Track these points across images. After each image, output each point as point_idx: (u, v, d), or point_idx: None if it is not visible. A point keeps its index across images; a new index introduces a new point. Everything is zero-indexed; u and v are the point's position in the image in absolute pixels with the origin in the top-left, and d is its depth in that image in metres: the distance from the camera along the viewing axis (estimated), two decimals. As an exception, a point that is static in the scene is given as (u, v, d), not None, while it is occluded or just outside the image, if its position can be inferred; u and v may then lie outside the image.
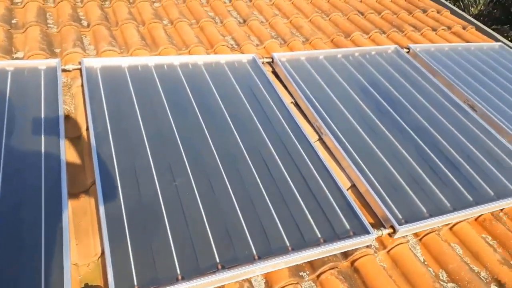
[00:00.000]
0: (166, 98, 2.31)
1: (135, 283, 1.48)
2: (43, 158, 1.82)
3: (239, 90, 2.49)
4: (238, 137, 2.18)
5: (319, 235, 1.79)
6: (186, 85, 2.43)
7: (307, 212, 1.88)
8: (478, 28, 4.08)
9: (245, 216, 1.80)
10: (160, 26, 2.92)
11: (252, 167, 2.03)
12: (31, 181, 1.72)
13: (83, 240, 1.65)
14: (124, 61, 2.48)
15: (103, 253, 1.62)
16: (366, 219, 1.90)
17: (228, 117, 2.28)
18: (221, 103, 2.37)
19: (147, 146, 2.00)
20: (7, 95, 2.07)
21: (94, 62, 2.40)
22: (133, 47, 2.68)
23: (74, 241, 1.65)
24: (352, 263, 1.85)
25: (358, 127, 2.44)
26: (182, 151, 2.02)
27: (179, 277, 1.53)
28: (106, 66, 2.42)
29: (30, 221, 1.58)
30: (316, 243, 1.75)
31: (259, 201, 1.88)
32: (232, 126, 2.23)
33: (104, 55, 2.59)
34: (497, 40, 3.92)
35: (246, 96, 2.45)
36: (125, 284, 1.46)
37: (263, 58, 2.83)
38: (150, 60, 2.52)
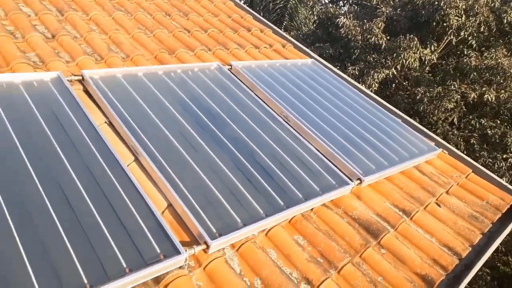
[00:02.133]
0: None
1: None
2: None
3: (37, 114, 2.20)
4: (31, 169, 1.90)
5: (124, 265, 1.66)
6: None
7: (112, 242, 1.73)
8: (296, 46, 4.57)
9: (32, 258, 1.55)
10: None
11: (47, 201, 1.79)
12: None
13: None
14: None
15: None
16: (180, 239, 1.86)
17: (19, 147, 1.98)
18: (11, 130, 2.04)
19: None
20: None
21: None
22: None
23: None
24: (165, 287, 1.77)
25: (177, 145, 2.41)
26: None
27: None
28: None
29: None
30: (120, 275, 1.62)
31: (52, 238, 1.65)
32: (25, 157, 1.94)
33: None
34: (311, 57, 4.44)
35: (46, 120, 2.18)
36: None
37: (72, 76, 2.58)
38: None
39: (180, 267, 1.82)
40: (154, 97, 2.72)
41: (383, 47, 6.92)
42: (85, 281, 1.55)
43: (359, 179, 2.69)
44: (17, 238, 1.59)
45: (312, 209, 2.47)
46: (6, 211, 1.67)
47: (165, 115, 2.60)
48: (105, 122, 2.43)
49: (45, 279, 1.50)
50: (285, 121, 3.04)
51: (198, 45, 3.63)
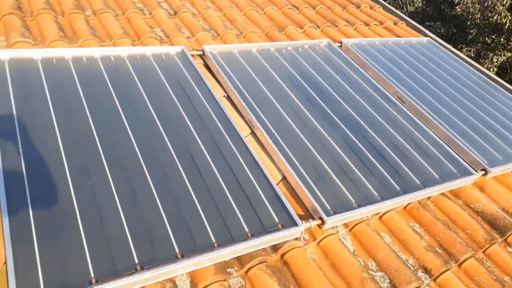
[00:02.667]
0: (84, 92, 2.13)
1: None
2: None
3: (166, 84, 2.37)
4: (163, 132, 2.06)
5: (246, 230, 1.73)
6: (107, 78, 2.27)
7: (235, 207, 1.81)
8: (409, 24, 4.26)
9: (168, 214, 1.70)
10: (82, 16, 2.72)
11: (178, 162, 1.93)
12: None
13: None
14: (37, 53, 2.26)
15: (6, 260, 1.45)
16: (295, 212, 1.87)
17: (153, 112, 2.16)
18: (145, 97, 2.24)
19: (60, 144, 1.83)
20: None
21: (2, 54, 2.17)
22: (50, 39, 2.47)
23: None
24: (282, 256, 1.81)
25: (289, 120, 2.42)
26: (100, 148, 1.88)
27: (93, 280, 1.41)
28: (16, 58, 2.20)
29: None
30: (243, 238, 1.69)
31: (184, 197, 1.78)
32: (157, 121, 2.11)
33: (15, 47, 2.35)
34: (426, 35, 4.11)
35: (174, 90, 2.34)
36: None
37: (193, 50, 2.73)
38: (67, 52, 2.33)
39: (296, 239, 1.84)
40: (267, 73, 2.75)
41: (506, 26, 6.12)
42: (213, 240, 1.66)
43: (484, 169, 2.44)
44: (157, 200, 1.74)
45: (429, 197, 2.31)
46: (148, 175, 1.83)
47: (277, 90, 2.62)
48: (224, 96, 2.53)
49: (181, 236, 1.63)
50: (399, 102, 2.87)
51: (306, 23, 3.58)
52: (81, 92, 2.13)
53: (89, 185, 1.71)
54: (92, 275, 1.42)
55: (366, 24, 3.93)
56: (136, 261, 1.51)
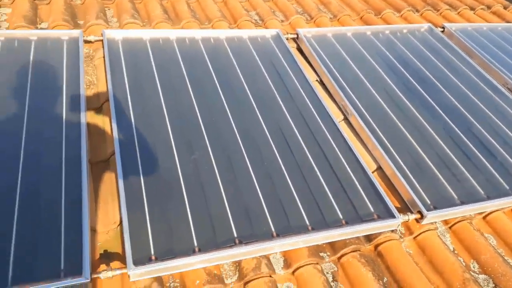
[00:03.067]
0: (187, 72, 2.24)
1: (152, 253, 1.45)
2: (64, 128, 1.80)
3: (262, 66, 2.40)
4: (259, 114, 2.10)
5: (340, 216, 1.71)
6: (207, 59, 2.36)
7: (329, 192, 1.79)
8: (521, 9, 3.81)
9: (264, 193, 1.73)
10: (183, 0, 2.85)
11: (272, 144, 1.96)
12: (53, 149, 1.70)
13: (103, 208, 1.63)
14: (146, 34, 2.42)
15: (121, 221, 1.60)
16: (392, 203, 1.80)
17: (249, 93, 2.20)
18: (242, 78, 2.29)
19: (167, 119, 1.96)
20: (30, 64, 2.06)
21: (116, 34, 2.36)
22: (156, 20, 2.63)
23: (94, 208, 1.63)
24: (376, 247, 1.76)
25: (386, 107, 2.32)
26: (202, 126, 1.97)
27: (196, 249, 1.49)
28: (128, 38, 2.37)
29: (51, 188, 1.57)
30: (337, 224, 1.67)
31: (279, 179, 1.80)
32: (253, 102, 2.16)
33: (126, 28, 2.55)
34: (541, 22, 3.65)
35: (269, 72, 2.36)
36: (142, 254, 1.44)
37: (287, 34, 2.72)
38: (172, 34, 2.46)
39: (392, 231, 1.77)
40: (362, 58, 2.65)
41: None
42: (307, 222, 1.66)
43: None
44: (254, 179, 1.79)
45: (542, 200, 2.08)
46: (245, 154, 1.89)
47: (373, 76, 2.52)
48: (316, 80, 2.50)
49: (277, 216, 1.66)
50: (510, 93, 2.60)
51: (404, 6, 3.37)
52: (184, 72, 2.24)
53: (193, 160, 1.80)
54: (195, 243, 1.51)
55: (471, 9, 3.59)
56: (235, 235, 1.57)
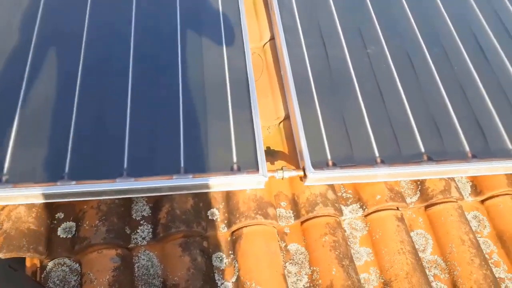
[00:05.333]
0: None
1: (329, 158, 1.24)
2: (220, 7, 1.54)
3: None
4: (440, 3, 1.67)
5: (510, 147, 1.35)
6: None
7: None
8: None
9: (455, 107, 1.40)
10: None
11: (461, 45, 1.56)
12: (211, 30, 1.47)
13: (262, 101, 1.42)
14: None
15: (286, 118, 1.39)
16: None
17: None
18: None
19: (332, 4, 1.61)
20: None
21: None
22: None
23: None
24: None
25: None
26: (373, 14, 1.60)
27: (378, 160, 1.26)
28: None
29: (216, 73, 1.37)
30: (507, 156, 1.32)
31: (473, 91, 1.44)
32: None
33: None
34: None
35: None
36: (318, 157, 1.23)
37: None
38: None
39: None
40: None
41: None
42: (510, 147, 1.33)
43: None
44: (441, 86, 1.44)
45: None
46: (427, 53, 1.52)
47: None
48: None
49: (472, 135, 1.34)
50: None
51: None
52: None
53: (366, 54, 1.49)
54: (376, 153, 1.27)
55: None
56: (423, 149, 1.29)
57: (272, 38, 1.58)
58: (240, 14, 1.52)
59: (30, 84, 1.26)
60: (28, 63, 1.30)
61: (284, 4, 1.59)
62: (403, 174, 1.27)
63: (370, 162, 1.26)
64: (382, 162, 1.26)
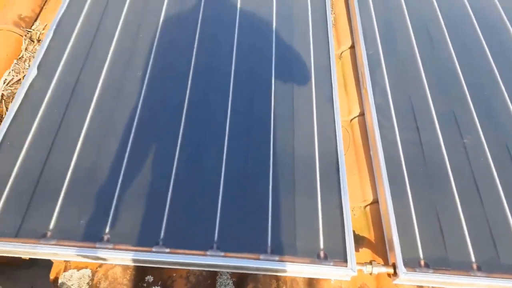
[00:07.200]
0: (444, 14, 1.79)
1: (421, 256, 1.18)
2: (313, 69, 1.57)
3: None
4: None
5: None
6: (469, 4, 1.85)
7: None
8: None
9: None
10: None
11: None
12: (303, 101, 1.49)
13: (348, 179, 1.40)
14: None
15: (374, 202, 1.36)
16: None
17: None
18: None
19: (425, 82, 1.58)
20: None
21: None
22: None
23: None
24: None
25: None
26: (469, 98, 1.55)
27: (474, 266, 1.18)
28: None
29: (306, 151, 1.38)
30: None
31: None
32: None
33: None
34: None
35: None
36: (410, 254, 1.18)
37: None
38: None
39: None
40: None
41: None
42: None
43: None
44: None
45: None
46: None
47: None
48: None
49: None
50: None
51: None
52: (439, 14, 1.79)
53: (463, 144, 1.43)
54: (473, 259, 1.19)
55: None
56: (524, 262, 1.20)
57: (362, 114, 1.57)
58: (332, 88, 1.53)
59: (132, 155, 1.32)
60: (130, 142, 1.37)
61: (377, 82, 1.58)
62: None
63: (465, 267, 1.18)
64: (479, 269, 1.18)
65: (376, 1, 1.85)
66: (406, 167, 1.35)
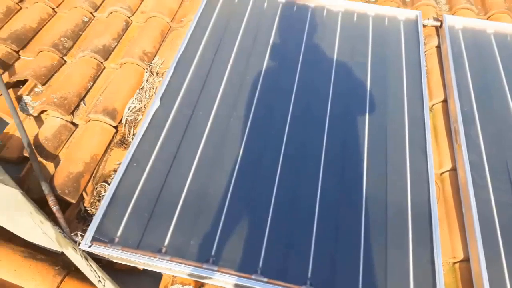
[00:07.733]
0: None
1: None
2: (406, 120, 1.63)
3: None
4: None
5: None
6: None
7: None
8: None
9: None
10: (536, -14, 2.27)
11: None
12: (397, 152, 1.56)
13: (437, 234, 1.42)
14: (490, 26, 2.01)
15: (464, 260, 1.36)
16: None
17: None
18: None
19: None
20: (369, 40, 1.93)
21: (456, 22, 2.02)
22: (494, 10, 2.17)
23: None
24: None
25: None
26: None
27: None
28: (468, 28, 2.01)
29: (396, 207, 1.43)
30: None
31: None
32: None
33: (458, 14, 2.18)
34: None
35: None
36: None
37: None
38: (528, 31, 1.98)
39: None
40: None
41: None
42: None
43: None
44: None
45: None
46: None
47: None
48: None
49: None
50: None
51: None
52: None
53: None
54: None
55: None
56: None
57: (453, 169, 1.59)
58: (426, 140, 1.58)
59: (235, 189, 1.46)
60: (234, 176, 1.51)
61: (471, 137, 1.60)
62: None
63: None
64: None
65: (471, 56, 1.88)
66: (500, 230, 1.35)
